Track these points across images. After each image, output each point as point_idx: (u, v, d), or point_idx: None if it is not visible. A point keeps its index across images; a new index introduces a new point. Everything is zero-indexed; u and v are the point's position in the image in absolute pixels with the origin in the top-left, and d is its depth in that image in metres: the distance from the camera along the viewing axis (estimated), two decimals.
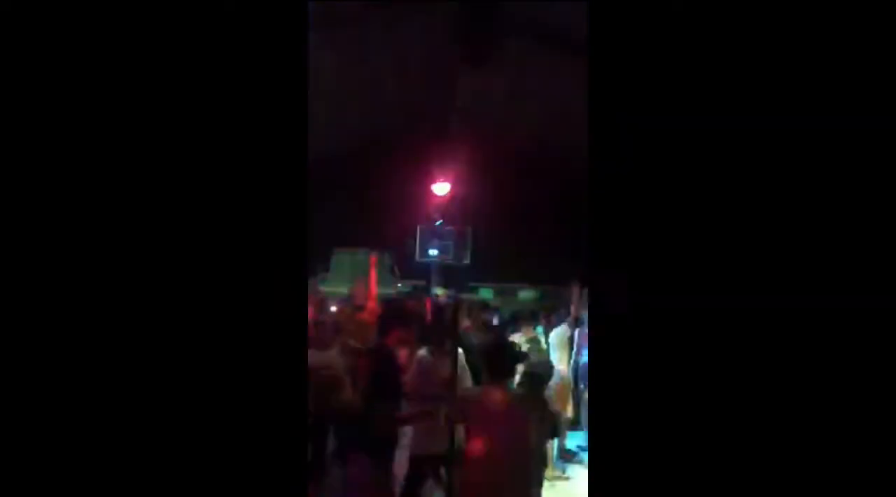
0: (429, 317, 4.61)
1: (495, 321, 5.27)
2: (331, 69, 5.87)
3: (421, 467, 3.04)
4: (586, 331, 4.99)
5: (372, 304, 4.29)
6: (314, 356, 3.40)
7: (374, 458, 2.51)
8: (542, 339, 4.89)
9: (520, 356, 2.55)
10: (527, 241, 9.60)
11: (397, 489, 2.76)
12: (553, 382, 3.58)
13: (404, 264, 8.97)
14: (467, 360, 3.16)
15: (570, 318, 4.97)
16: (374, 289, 4.81)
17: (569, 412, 4.74)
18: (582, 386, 5.03)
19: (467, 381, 3.02)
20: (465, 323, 4.76)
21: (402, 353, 2.93)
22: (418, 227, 8.13)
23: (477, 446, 2.30)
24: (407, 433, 3.02)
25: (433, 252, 8.23)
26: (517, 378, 2.51)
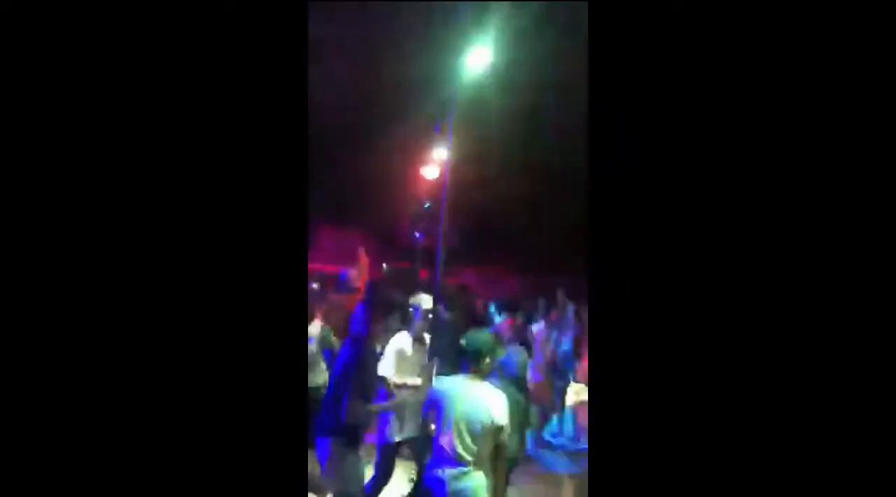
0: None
1: (492, 309, 5.20)
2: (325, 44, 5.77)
3: (390, 454, 3.06)
4: (542, 325, 4.93)
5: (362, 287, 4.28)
6: None
7: (343, 443, 2.52)
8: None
9: (494, 348, 2.54)
10: (515, 229, 9.63)
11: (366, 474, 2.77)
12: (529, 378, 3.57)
13: (390, 246, 8.96)
14: (438, 346, 3.16)
15: (548, 318, 4.94)
16: (367, 272, 4.79)
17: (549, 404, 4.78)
18: (559, 379, 5.05)
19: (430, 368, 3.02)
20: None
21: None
22: (406, 210, 8.12)
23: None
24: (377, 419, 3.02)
25: (419, 235, 8.24)
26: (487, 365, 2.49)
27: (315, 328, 3.71)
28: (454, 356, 2.61)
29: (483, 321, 4.21)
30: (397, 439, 2.93)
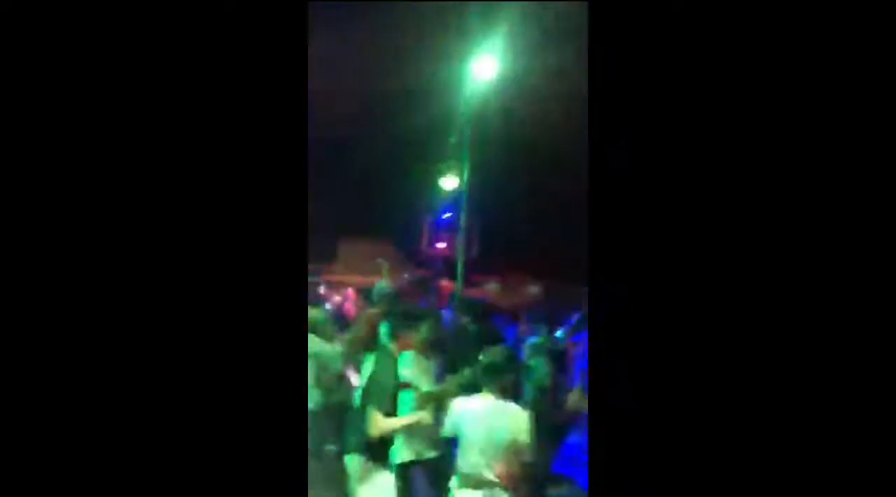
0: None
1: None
2: (332, 57, 5.78)
3: (409, 472, 2.98)
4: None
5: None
6: (315, 345, 3.35)
7: (370, 459, 2.46)
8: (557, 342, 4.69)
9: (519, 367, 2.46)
10: (536, 237, 9.50)
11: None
12: None
13: (411, 256, 8.92)
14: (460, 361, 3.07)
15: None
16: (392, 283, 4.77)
17: None
18: None
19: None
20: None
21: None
22: (426, 220, 8.07)
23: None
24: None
25: (440, 244, 8.17)
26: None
27: (336, 346, 3.65)
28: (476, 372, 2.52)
29: (499, 336, 4.08)
30: (412, 458, 2.85)
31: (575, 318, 4.44)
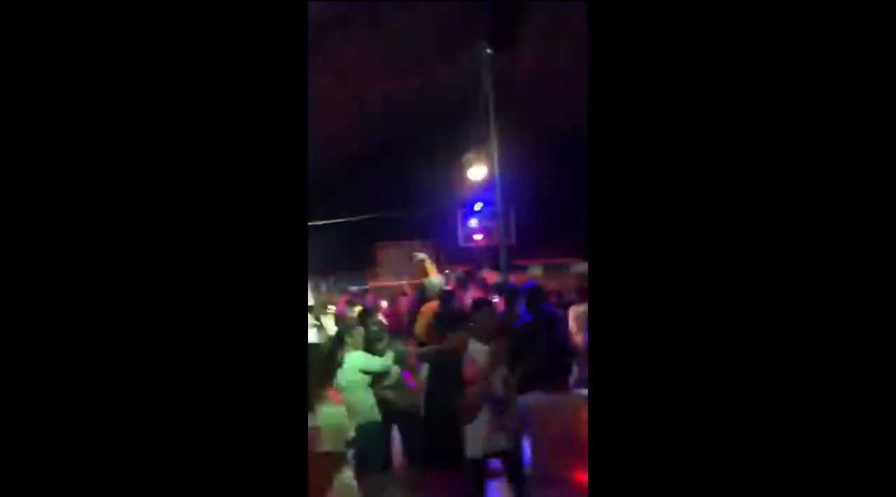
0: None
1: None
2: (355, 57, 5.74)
3: (482, 468, 2.94)
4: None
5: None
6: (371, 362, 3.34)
7: (445, 467, 2.42)
8: None
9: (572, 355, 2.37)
10: (571, 217, 9.31)
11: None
12: None
13: (449, 251, 8.87)
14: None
15: None
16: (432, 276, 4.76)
17: None
18: None
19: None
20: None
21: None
22: (459, 213, 8.00)
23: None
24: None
25: (477, 236, 8.10)
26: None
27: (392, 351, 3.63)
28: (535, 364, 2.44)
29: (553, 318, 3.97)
30: (482, 454, 2.82)
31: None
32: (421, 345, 3.82)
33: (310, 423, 2.02)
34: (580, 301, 4.81)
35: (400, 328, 4.93)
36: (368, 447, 3.21)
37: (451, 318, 2.70)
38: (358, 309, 5.03)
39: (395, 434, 3.73)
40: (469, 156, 4.35)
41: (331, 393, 2.24)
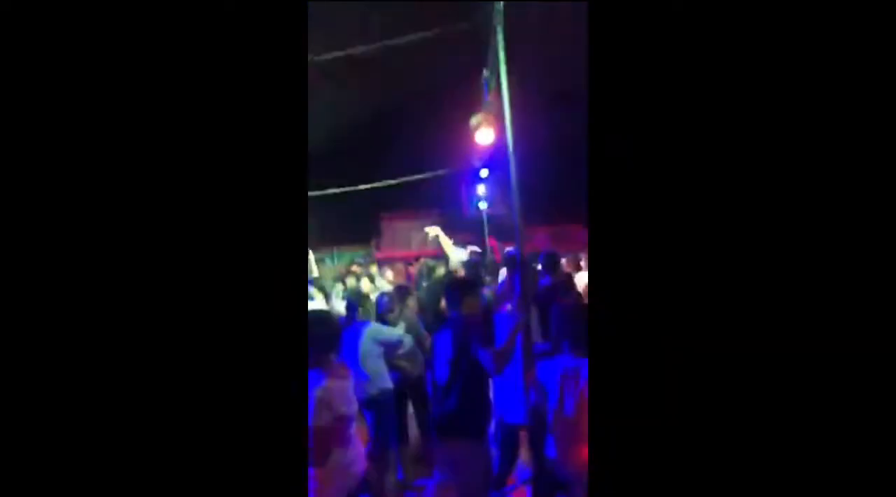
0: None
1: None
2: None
3: (511, 438, 2.91)
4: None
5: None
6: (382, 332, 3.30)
7: (466, 436, 2.37)
8: None
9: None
10: (577, 182, 9.17)
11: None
12: None
13: (455, 220, 8.75)
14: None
15: None
16: (449, 251, 4.72)
17: None
18: None
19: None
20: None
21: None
22: (464, 180, 7.86)
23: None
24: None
25: (482, 205, 7.96)
26: None
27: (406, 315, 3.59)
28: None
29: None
30: (512, 421, 2.79)
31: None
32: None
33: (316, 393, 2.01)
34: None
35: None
36: (382, 415, 3.21)
37: (469, 286, 2.63)
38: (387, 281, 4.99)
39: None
40: (478, 117, 4.17)
41: (336, 367, 2.18)
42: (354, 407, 2.20)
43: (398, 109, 8.59)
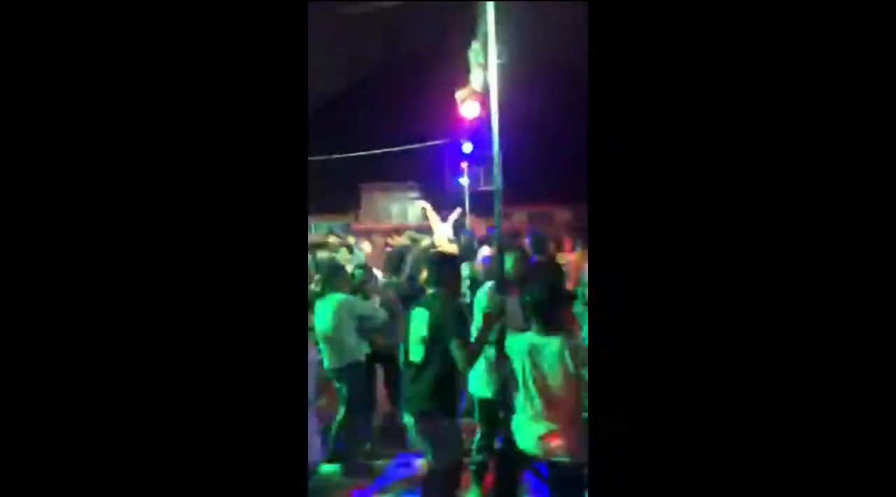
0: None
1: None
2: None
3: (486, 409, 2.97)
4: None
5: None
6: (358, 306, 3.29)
7: (437, 415, 2.40)
8: None
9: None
10: (557, 164, 9.18)
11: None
12: None
13: (435, 194, 8.70)
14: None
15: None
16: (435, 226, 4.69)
17: None
18: None
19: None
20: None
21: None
22: (446, 155, 7.78)
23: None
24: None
25: (463, 180, 7.92)
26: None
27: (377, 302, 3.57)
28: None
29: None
30: (485, 395, 2.84)
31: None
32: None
33: None
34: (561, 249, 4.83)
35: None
36: (353, 387, 3.23)
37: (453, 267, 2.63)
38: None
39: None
40: (464, 91, 4.12)
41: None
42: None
43: (386, 76, 8.41)
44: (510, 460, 2.45)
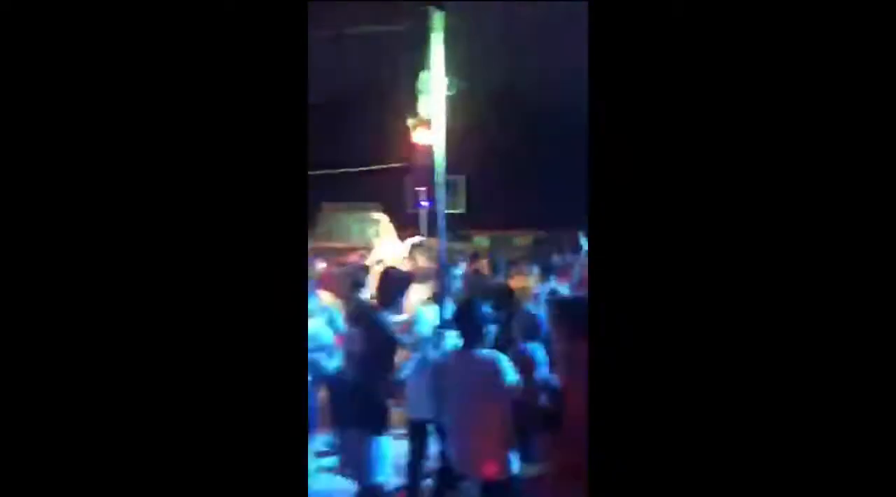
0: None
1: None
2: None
3: (421, 432, 2.99)
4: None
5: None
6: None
7: (366, 430, 2.43)
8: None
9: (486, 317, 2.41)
10: (523, 186, 9.36)
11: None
12: None
13: (395, 216, 8.75)
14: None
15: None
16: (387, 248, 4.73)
17: None
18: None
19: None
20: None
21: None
22: (406, 178, 7.87)
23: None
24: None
25: (424, 203, 8.01)
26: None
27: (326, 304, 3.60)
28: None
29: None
30: (420, 416, 2.87)
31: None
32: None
33: None
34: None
35: (339, 295, 4.89)
36: None
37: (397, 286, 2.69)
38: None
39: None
40: (414, 119, 4.23)
41: None
42: None
43: (344, 101, 8.50)
44: (445, 481, 2.49)
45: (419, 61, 3.75)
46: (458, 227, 8.44)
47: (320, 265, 5.80)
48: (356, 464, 2.49)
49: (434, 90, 3.27)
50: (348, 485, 2.73)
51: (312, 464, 3.37)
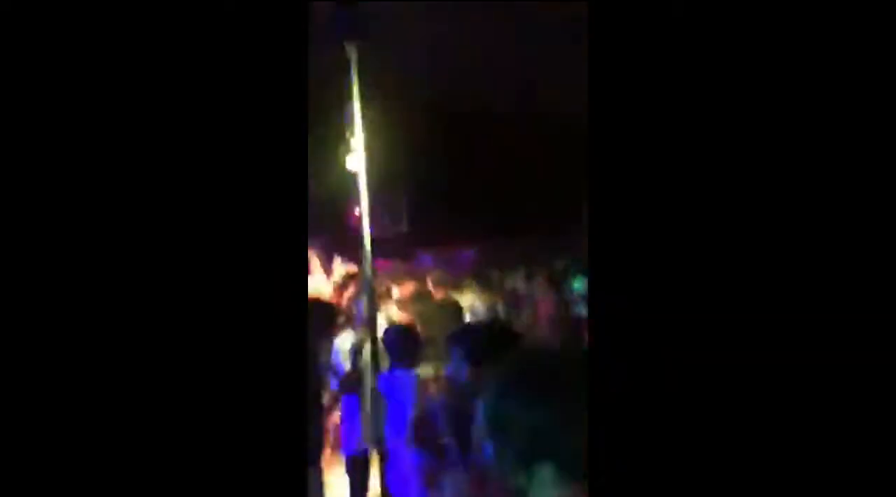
0: None
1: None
2: None
3: (363, 466, 2.94)
4: None
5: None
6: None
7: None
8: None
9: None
10: (468, 199, 9.44)
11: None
12: None
13: (338, 241, 8.63)
14: None
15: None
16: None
17: None
18: None
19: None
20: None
21: None
22: (348, 201, 7.76)
23: None
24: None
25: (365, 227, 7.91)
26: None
27: None
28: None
29: None
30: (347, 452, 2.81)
31: None
32: None
33: None
34: None
35: None
36: None
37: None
38: None
39: None
40: (343, 145, 4.27)
41: None
42: None
43: None
44: None
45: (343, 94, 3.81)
46: (404, 245, 8.38)
47: None
48: None
49: (353, 119, 3.30)
50: None
51: None
